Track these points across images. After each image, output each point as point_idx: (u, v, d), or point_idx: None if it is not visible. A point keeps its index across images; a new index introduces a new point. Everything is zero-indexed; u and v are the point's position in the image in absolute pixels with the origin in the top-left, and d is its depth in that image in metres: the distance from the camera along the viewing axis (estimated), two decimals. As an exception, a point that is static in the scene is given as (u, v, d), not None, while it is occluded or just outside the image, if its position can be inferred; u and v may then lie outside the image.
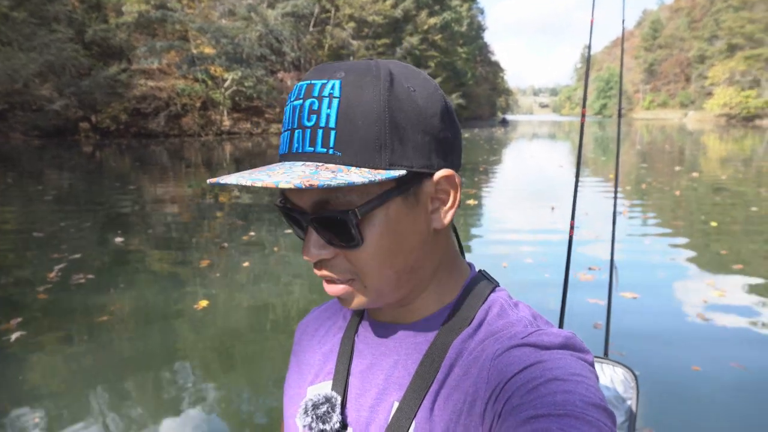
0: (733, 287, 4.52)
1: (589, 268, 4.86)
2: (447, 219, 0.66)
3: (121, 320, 3.88)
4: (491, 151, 21.19)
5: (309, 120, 0.59)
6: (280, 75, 35.94)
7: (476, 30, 79.60)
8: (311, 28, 38.48)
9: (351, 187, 0.58)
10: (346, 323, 0.80)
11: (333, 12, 39.80)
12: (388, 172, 0.58)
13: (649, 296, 4.21)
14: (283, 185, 0.52)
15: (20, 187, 11.29)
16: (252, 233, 6.70)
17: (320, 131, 0.58)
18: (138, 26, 31.99)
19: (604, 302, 3.82)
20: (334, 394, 0.71)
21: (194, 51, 32.67)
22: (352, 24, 39.97)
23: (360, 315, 0.78)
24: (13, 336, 3.50)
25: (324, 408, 0.69)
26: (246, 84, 33.33)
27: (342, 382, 0.72)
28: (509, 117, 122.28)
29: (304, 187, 0.52)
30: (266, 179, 0.54)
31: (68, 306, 4.15)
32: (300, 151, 0.59)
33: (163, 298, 4.36)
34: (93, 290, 4.45)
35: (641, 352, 3.30)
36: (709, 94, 74.87)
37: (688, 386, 2.90)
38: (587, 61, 2.66)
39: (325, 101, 0.59)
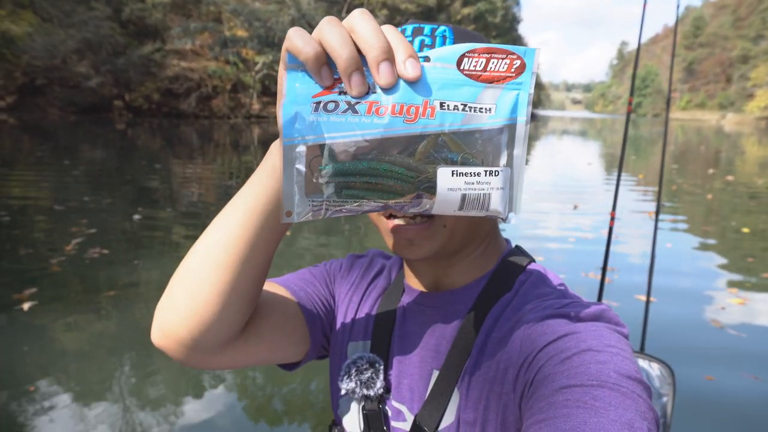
0: (756, 295, 4.36)
1: (599, 268, 4.71)
2: None
3: (129, 295, 3.93)
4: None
5: (422, 50, 0.60)
6: (310, 60, 36.07)
7: (511, 22, 78.22)
8: (343, 14, 38.32)
9: None
10: (388, 284, 0.80)
11: (366, -2, 39.60)
12: None
13: (665, 301, 4.05)
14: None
15: (50, 160, 11.57)
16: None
17: None
18: (173, 6, 32.37)
19: (618, 304, 3.69)
20: (378, 359, 0.71)
21: (227, 33, 32.92)
22: (384, 11, 39.67)
23: (402, 282, 0.78)
24: (26, 305, 3.56)
25: (368, 373, 0.70)
26: (277, 68, 33.46)
27: (385, 348, 0.73)
28: (541, 112, 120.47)
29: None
30: None
31: (80, 279, 4.22)
32: None
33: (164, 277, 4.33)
34: (106, 265, 4.52)
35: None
36: (750, 95, 72.32)
37: (701, 396, 2.78)
38: (638, 44, 2.62)
39: (439, 39, 0.62)
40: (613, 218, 2.94)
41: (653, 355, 1.42)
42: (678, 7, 2.90)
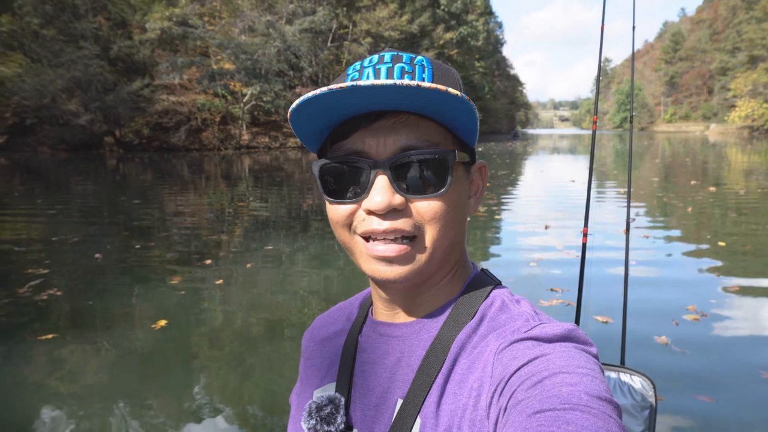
0: (717, 311, 4.20)
1: (552, 290, 4.64)
2: (476, 207, 0.72)
3: (66, 339, 3.83)
4: (501, 166, 21.06)
5: (402, 78, 0.62)
6: (298, 90, 36.45)
7: (494, 44, 79.56)
8: (329, 44, 39.00)
9: (438, 141, 0.63)
10: (350, 324, 0.80)
11: (350, 28, 40.34)
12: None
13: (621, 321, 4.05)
14: (425, 84, 0.55)
15: (27, 199, 11.47)
16: (209, 261, 6.81)
17: None
18: (161, 43, 32.83)
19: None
20: (338, 395, 0.72)
21: (214, 67, 33.35)
22: (369, 39, 40.40)
23: (364, 315, 0.79)
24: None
25: (328, 409, 0.70)
26: (264, 99, 33.87)
27: (346, 383, 0.73)
28: (530, 131, 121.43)
29: (442, 89, 0.56)
30: (388, 81, 0.55)
31: (21, 322, 4.15)
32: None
33: (122, 315, 4.18)
34: (55, 307, 4.45)
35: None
36: (732, 106, 73.56)
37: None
38: (599, 65, 2.73)
39: (419, 67, 0.64)
40: (585, 235, 2.96)
41: (634, 368, 1.49)
42: (633, 28, 3.04)
